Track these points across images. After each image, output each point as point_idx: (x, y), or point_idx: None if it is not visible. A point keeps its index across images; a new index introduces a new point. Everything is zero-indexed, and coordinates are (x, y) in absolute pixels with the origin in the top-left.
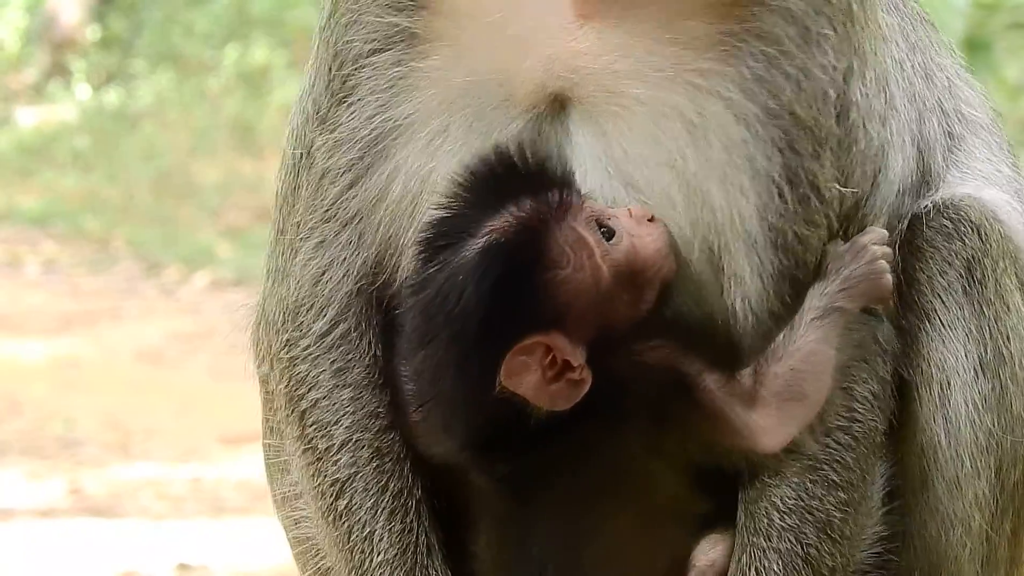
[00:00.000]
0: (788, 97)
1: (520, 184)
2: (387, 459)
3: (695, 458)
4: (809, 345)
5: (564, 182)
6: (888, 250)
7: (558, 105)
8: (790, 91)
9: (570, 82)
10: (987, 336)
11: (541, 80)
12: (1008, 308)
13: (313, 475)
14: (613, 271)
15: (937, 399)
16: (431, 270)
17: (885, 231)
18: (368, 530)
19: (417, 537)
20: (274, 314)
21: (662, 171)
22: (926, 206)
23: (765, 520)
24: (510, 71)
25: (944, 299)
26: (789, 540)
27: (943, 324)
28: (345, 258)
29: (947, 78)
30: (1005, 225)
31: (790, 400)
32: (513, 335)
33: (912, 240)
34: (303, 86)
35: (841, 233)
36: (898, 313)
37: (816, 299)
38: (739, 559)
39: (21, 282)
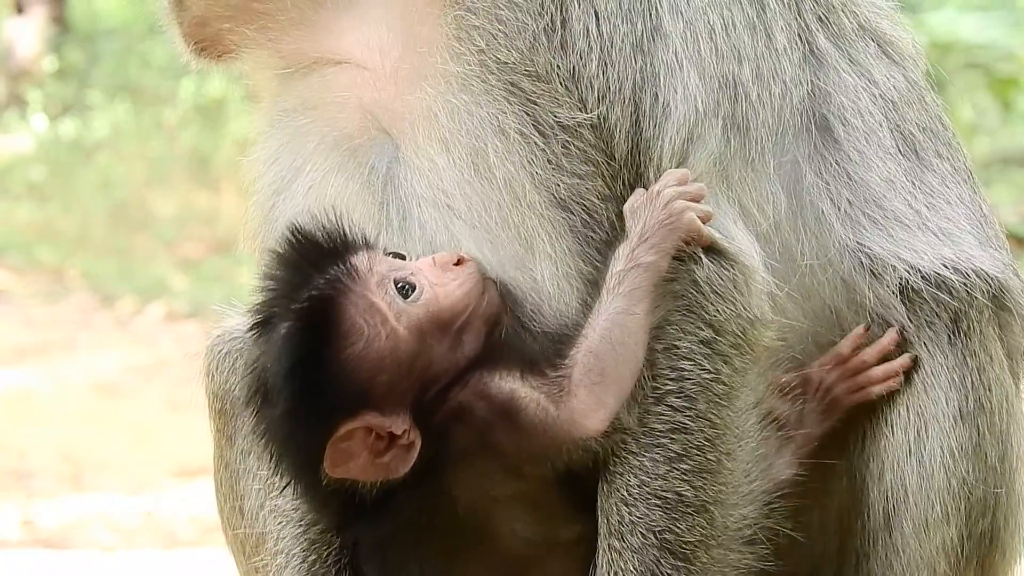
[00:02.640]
0: (488, 47)
1: (314, 258)
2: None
3: (538, 480)
4: (606, 320)
5: (354, 247)
6: (689, 188)
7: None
8: (485, 42)
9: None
10: (969, 386)
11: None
12: (991, 359)
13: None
14: (414, 329)
15: (912, 443)
16: (252, 364)
17: (683, 171)
18: (287, 560)
19: (328, 570)
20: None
21: (453, 171)
22: (913, 256)
23: (616, 517)
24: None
25: (930, 348)
26: (640, 533)
27: (926, 372)
28: None
29: (809, 53)
30: (987, 280)
31: (597, 383)
32: (328, 423)
33: (903, 290)
34: None
35: (635, 183)
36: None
37: (614, 264)
38: (599, 565)
39: None
